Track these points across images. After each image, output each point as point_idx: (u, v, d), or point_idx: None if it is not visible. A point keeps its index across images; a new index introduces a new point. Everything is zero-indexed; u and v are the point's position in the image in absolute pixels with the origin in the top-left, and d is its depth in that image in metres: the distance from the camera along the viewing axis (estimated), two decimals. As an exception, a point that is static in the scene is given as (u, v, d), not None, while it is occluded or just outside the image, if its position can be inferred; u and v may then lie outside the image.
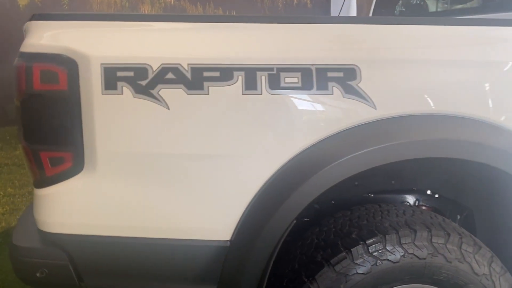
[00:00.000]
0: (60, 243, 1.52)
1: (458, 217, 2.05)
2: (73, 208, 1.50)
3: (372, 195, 1.99)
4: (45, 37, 1.46)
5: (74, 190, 1.49)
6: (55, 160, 1.49)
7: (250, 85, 1.44)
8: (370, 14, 3.11)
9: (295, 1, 5.50)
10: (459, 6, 2.59)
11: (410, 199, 2.02)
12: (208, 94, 1.44)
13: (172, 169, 1.47)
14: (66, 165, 1.49)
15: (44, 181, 1.51)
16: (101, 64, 1.42)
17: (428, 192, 2.04)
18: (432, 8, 2.78)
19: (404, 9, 2.95)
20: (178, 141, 1.46)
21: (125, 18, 1.50)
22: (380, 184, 1.95)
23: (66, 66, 1.43)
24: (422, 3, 2.80)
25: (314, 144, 1.47)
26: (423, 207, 2.04)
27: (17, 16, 4.64)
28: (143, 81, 1.43)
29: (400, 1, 2.99)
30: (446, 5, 2.65)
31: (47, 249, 1.53)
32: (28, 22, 1.53)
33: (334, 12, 5.53)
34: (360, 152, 1.45)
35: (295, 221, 1.51)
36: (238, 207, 1.50)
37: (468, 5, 2.54)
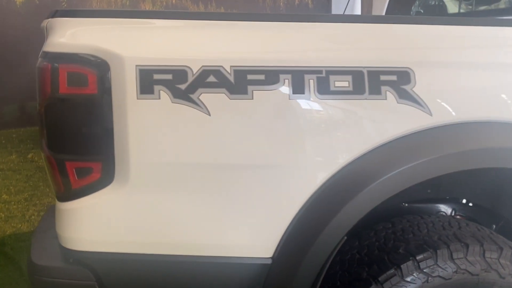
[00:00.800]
0: (87, 261, 1.38)
1: (494, 226, 1.96)
2: (102, 223, 1.37)
3: (406, 205, 1.89)
4: (73, 36, 1.33)
5: (103, 204, 1.36)
6: (82, 171, 1.35)
7: (298, 89, 1.33)
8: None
9: (297, 1, 5.40)
10: (483, 8, 2.51)
11: (446, 209, 1.93)
12: (252, 99, 1.32)
13: (211, 181, 1.35)
14: (94, 176, 1.35)
15: (70, 194, 1.37)
16: (136, 66, 1.29)
17: (463, 201, 1.95)
18: (452, 9, 2.70)
19: (421, 10, 2.86)
20: (219, 150, 1.34)
21: (162, 16, 1.37)
22: (416, 193, 1.85)
23: (96, 67, 1.30)
24: (441, 3, 2.71)
25: (366, 154, 1.36)
26: (458, 217, 1.95)
27: (13, 13, 4.46)
28: (182, 84, 1.30)
29: (417, 2, 2.91)
30: (470, 7, 2.57)
31: (71, 268, 1.39)
32: (51, 19, 1.39)
33: (335, 12, 5.45)
34: (416, 163, 1.35)
35: (345, 237, 1.39)
36: (281, 222, 1.38)
37: (493, 6, 2.47)
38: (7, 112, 4.84)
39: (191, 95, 1.30)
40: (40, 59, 1.36)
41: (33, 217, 3.87)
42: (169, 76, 1.30)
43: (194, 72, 1.30)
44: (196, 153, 1.33)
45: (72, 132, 1.33)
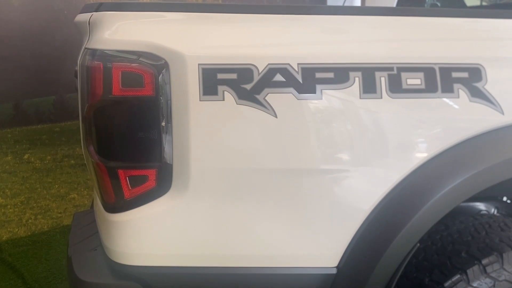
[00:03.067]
0: (141, 277, 1.27)
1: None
2: (158, 236, 1.26)
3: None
4: (126, 32, 1.21)
5: (159, 215, 1.25)
6: (136, 179, 1.24)
7: (369, 87, 1.24)
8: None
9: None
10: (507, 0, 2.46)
11: (489, 207, 1.88)
12: (321, 99, 1.23)
13: (277, 187, 1.26)
14: (149, 184, 1.24)
15: (122, 205, 1.26)
16: (199, 64, 1.18)
17: (504, 198, 1.91)
18: (471, 2, 2.65)
19: (437, 3, 2.81)
20: (286, 155, 1.24)
21: (223, 10, 1.26)
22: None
23: (154, 66, 1.19)
24: (459, -3, 2.66)
25: (439, 155, 1.28)
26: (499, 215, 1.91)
27: (8, 8, 4.23)
28: (248, 84, 1.20)
29: (431, -6, 2.85)
30: (493, -1, 2.52)
31: (124, 284, 1.28)
32: (96, 13, 1.27)
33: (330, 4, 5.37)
34: (493, 164, 1.28)
35: (418, 245, 1.32)
36: (348, 229, 1.30)
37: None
38: (1, 111, 4.60)
39: (257, 96, 1.21)
40: (88, 58, 1.23)
41: (30, 221, 3.70)
42: (233, 76, 1.20)
43: (260, 71, 1.20)
44: (262, 158, 1.24)
45: (126, 137, 1.21)
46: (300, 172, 1.26)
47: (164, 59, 1.19)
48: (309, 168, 1.26)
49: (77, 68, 1.59)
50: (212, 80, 1.19)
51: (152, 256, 1.27)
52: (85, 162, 1.39)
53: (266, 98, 1.21)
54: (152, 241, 1.26)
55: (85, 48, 1.29)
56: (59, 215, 3.85)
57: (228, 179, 1.24)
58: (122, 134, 1.21)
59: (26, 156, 4.56)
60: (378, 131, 1.27)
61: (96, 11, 1.27)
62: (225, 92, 1.19)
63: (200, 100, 1.19)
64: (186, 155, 1.21)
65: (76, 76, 1.52)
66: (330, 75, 1.24)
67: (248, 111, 1.21)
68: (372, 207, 1.29)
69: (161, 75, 1.19)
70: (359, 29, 1.30)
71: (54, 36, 4.72)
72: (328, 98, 1.24)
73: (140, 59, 1.19)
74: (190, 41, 1.21)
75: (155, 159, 1.23)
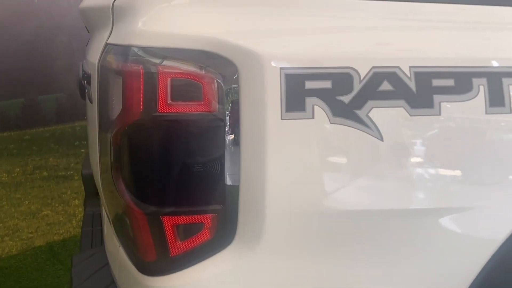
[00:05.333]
0: None
1: None
2: (216, 306, 0.91)
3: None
4: (178, 22, 0.85)
5: (218, 278, 0.90)
6: (187, 229, 0.89)
7: (496, 99, 0.93)
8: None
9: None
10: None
11: None
12: (439, 114, 0.91)
13: (385, 232, 0.93)
14: (204, 235, 0.89)
15: (165, 265, 0.90)
16: (281, 69, 0.84)
17: None
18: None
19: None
20: (395, 192, 0.91)
21: None
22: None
23: (216, 72, 0.84)
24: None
25: None
26: None
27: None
28: (346, 96, 0.87)
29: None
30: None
31: None
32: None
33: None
34: None
35: None
36: (466, 274, 0.99)
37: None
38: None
39: (358, 112, 0.87)
40: (116, 58, 0.87)
41: (-5, 243, 3.22)
42: (326, 84, 0.86)
43: (362, 77, 0.87)
44: (365, 197, 0.90)
45: (176, 171, 0.86)
46: (415, 212, 0.93)
47: (232, 62, 0.84)
48: (427, 208, 0.93)
49: (83, 70, 1.22)
50: (299, 91, 0.85)
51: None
52: (104, 203, 1.02)
53: (369, 114, 0.88)
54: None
55: (108, 44, 0.93)
56: (30, 235, 3.40)
57: (318, 225, 0.90)
58: (170, 166, 0.85)
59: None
60: (505, 158, 0.96)
61: (125, -7, 0.91)
62: (315, 106, 0.86)
63: (281, 119, 0.85)
64: (259, 193, 0.87)
65: (85, 83, 1.15)
66: (450, 82, 0.92)
67: (346, 132, 0.87)
68: (493, 251, 0.98)
69: (227, 83, 0.84)
70: (490, 24, 0.99)
71: (23, 28, 4.25)
72: (448, 114, 0.92)
73: (198, 61, 0.84)
74: (269, 37, 0.86)
75: (215, 201, 0.88)
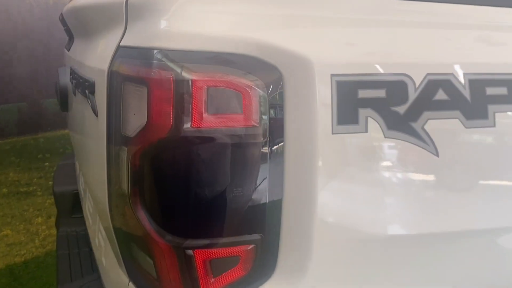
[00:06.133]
0: None
1: None
2: None
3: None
4: (210, 21, 0.73)
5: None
6: (221, 264, 0.76)
7: None
8: None
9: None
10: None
11: None
12: (494, 126, 0.83)
13: (449, 259, 0.84)
14: (240, 269, 0.77)
15: (195, 305, 0.77)
16: (332, 76, 0.73)
17: None
18: None
19: None
20: (457, 211, 0.83)
21: None
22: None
23: (259, 79, 0.72)
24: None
25: None
26: None
27: None
28: (401, 106, 0.77)
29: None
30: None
31: None
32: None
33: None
34: None
35: None
36: None
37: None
38: None
39: (413, 124, 0.78)
40: (133, 62, 0.74)
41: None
42: (381, 93, 0.76)
43: (417, 85, 0.78)
44: (423, 218, 0.81)
45: (210, 195, 0.73)
46: (483, 233, 0.85)
47: (276, 68, 0.72)
48: (494, 228, 0.85)
49: (74, 77, 1.07)
50: (351, 101, 0.74)
51: None
52: (106, 229, 0.87)
53: (424, 126, 0.78)
54: None
55: (122, 46, 0.79)
56: (-13, 258, 3.10)
57: (375, 251, 0.80)
58: (204, 191, 0.72)
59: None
60: None
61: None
62: (368, 119, 0.75)
63: (332, 133, 0.74)
64: (305, 218, 0.75)
65: (76, 91, 1.00)
66: (503, 90, 0.84)
67: (401, 148, 0.78)
68: None
69: (270, 93, 0.72)
70: None
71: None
72: (502, 126, 0.84)
73: (237, 67, 0.71)
74: (316, 40, 0.75)
75: (254, 229, 0.75)
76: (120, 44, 0.79)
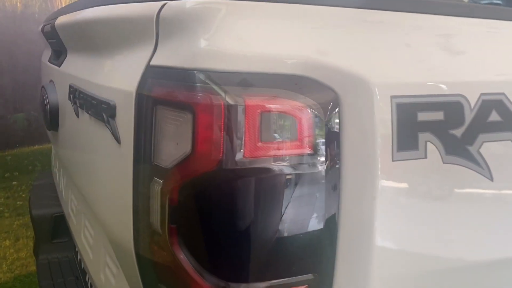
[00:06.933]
0: None
1: None
2: None
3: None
4: (249, 39, 0.65)
5: None
6: (271, 308, 0.68)
7: None
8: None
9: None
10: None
11: None
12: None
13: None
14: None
15: None
16: (392, 97, 0.67)
17: None
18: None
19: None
20: (504, 240, 0.78)
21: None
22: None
23: (314, 102, 0.65)
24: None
25: None
26: None
27: None
28: (458, 129, 0.72)
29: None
30: None
31: None
32: (177, 3, 0.69)
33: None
34: None
35: None
36: None
37: None
38: None
39: (470, 148, 0.73)
40: (171, 84, 0.65)
41: None
42: (439, 115, 0.71)
43: (472, 106, 0.73)
44: (488, 246, 0.76)
45: (263, 234, 0.65)
46: None
47: (332, 89, 0.65)
48: None
49: (75, 97, 0.97)
50: (411, 124, 0.69)
51: None
52: (126, 270, 0.77)
53: (480, 150, 0.74)
54: None
55: (152, 66, 0.70)
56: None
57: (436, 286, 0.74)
58: (255, 231, 0.64)
59: None
60: None
61: (171, -1, 0.69)
62: (428, 143, 0.70)
63: (392, 160, 0.68)
64: (363, 254, 0.69)
65: (96, 113, 0.90)
66: (549, 109, 0.80)
67: (459, 174, 0.72)
68: None
69: (327, 117, 0.66)
70: None
71: None
72: (550, 146, 0.80)
73: (290, 89, 0.64)
74: (373, 58, 0.69)
75: (308, 269, 0.68)
76: (151, 63, 0.70)
